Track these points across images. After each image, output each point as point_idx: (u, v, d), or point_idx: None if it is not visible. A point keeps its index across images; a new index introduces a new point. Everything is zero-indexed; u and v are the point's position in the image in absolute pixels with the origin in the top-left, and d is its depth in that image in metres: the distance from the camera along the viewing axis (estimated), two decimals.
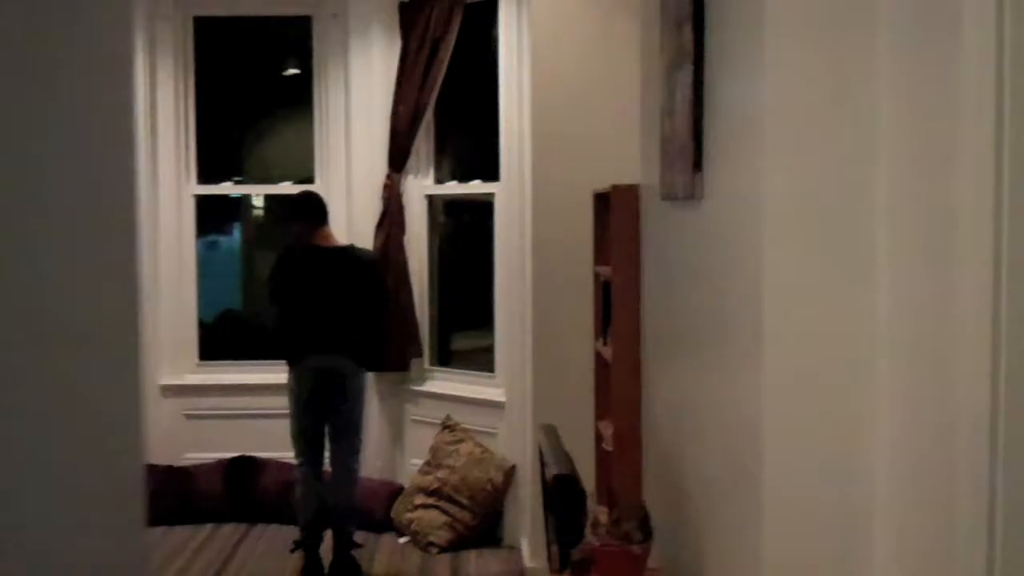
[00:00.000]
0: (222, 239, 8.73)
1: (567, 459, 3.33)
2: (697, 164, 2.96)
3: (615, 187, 4.28)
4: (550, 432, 3.66)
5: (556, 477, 3.05)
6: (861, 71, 2.22)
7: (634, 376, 4.22)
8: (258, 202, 7.91)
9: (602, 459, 4.76)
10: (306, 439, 5.64)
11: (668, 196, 3.39)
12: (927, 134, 2.02)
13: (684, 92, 3.06)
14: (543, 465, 3.72)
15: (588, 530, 2.91)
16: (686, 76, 3.04)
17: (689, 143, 3.00)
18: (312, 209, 5.68)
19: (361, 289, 5.67)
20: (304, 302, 5.64)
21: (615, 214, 4.25)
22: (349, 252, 5.74)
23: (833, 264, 2.27)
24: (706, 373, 2.92)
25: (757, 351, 2.33)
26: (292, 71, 7.21)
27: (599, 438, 4.80)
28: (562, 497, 3.08)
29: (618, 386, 4.24)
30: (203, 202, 7.34)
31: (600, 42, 5.39)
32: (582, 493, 3.12)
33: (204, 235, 8.17)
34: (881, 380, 2.22)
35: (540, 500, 3.74)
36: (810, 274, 2.29)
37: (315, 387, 5.57)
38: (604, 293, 4.77)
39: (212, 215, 8.15)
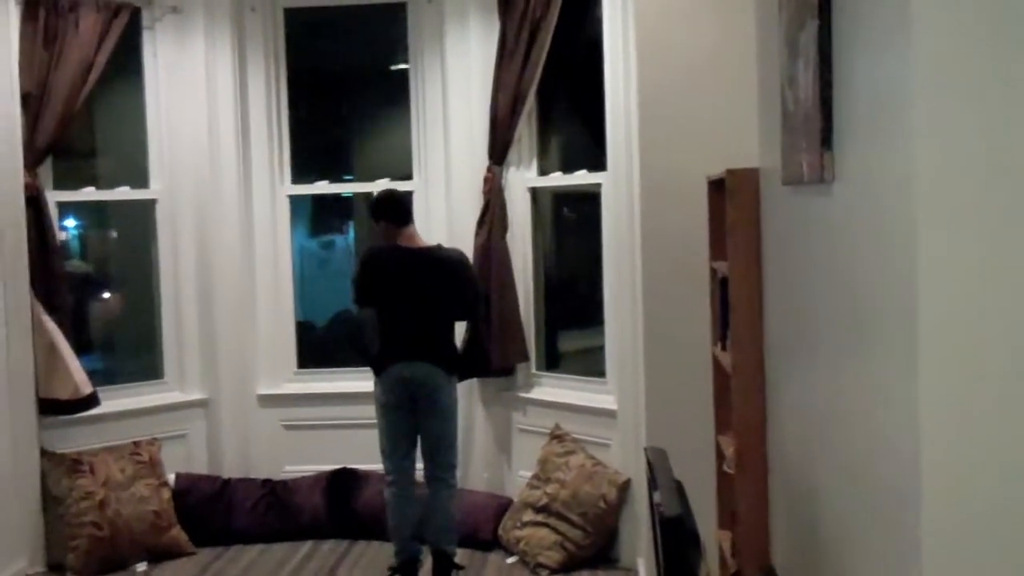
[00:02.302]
0: (339, 239, 8.58)
1: (679, 494, 2.86)
2: (826, 141, 2.45)
3: (731, 172, 3.78)
4: (659, 457, 3.18)
5: (666, 520, 2.58)
6: None
7: (757, 388, 3.72)
8: None
9: (723, 480, 4.25)
10: (395, 455, 5.31)
11: (791, 180, 2.89)
12: None
13: (808, 55, 2.56)
14: (652, 493, 3.26)
15: None
16: (810, 35, 2.53)
17: (816, 116, 2.49)
18: (394, 208, 5.34)
19: (449, 292, 5.31)
20: (387, 307, 5.29)
21: (731, 202, 3.75)
22: (434, 253, 5.36)
23: (1012, 257, 1.77)
24: (843, 387, 2.42)
25: (911, 363, 1.84)
26: (387, 61, 6.86)
27: (720, 456, 4.30)
28: (672, 541, 2.60)
29: (739, 399, 3.74)
30: (317, 201, 7.15)
31: (713, 11, 4.88)
32: (695, 536, 2.64)
33: (320, 235, 8.17)
34: None
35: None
36: (980, 270, 1.80)
37: (402, 398, 5.23)
38: (722, 292, 4.27)
39: (327, 214, 8.09)
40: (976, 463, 1.80)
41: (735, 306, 3.75)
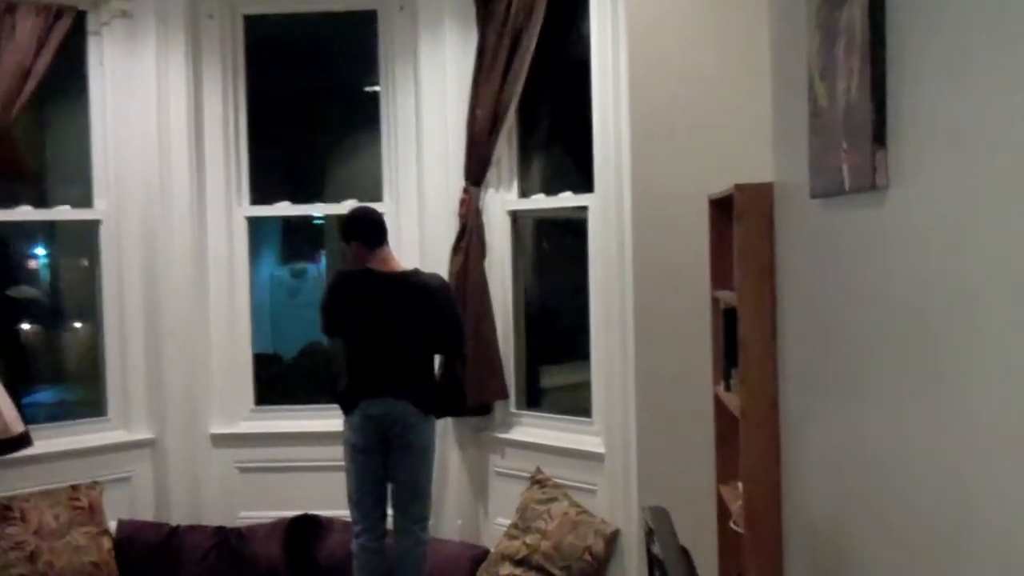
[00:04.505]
0: (311, 267, 8.30)
1: (687, 567, 2.37)
2: (879, 137, 1.98)
3: (739, 188, 3.32)
4: (661, 518, 2.69)
5: None
6: None
7: (770, 434, 3.24)
8: None
9: (727, 537, 3.76)
10: (364, 503, 4.85)
11: (824, 191, 2.42)
12: None
13: (854, 34, 2.09)
14: (651, 558, 2.77)
15: None
16: (856, 10, 2.07)
17: (865, 108, 2.02)
18: (367, 227, 4.89)
19: (427, 322, 4.86)
20: (358, 338, 4.86)
21: (741, 223, 3.28)
22: (411, 278, 4.90)
23: None
24: (910, 431, 1.93)
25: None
26: (356, 73, 6.42)
27: (722, 508, 3.81)
28: None
29: (749, 446, 3.26)
30: (287, 227, 6.88)
31: (711, 16, 4.44)
32: None
33: (290, 262, 8.07)
34: None
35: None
36: None
37: (373, 439, 4.78)
38: (726, 325, 3.80)
39: (298, 241, 7.93)
40: None
41: (745, 341, 3.28)
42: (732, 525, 3.48)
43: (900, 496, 1.97)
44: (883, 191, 1.99)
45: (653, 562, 2.73)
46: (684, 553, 2.58)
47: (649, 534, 2.75)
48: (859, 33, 2.04)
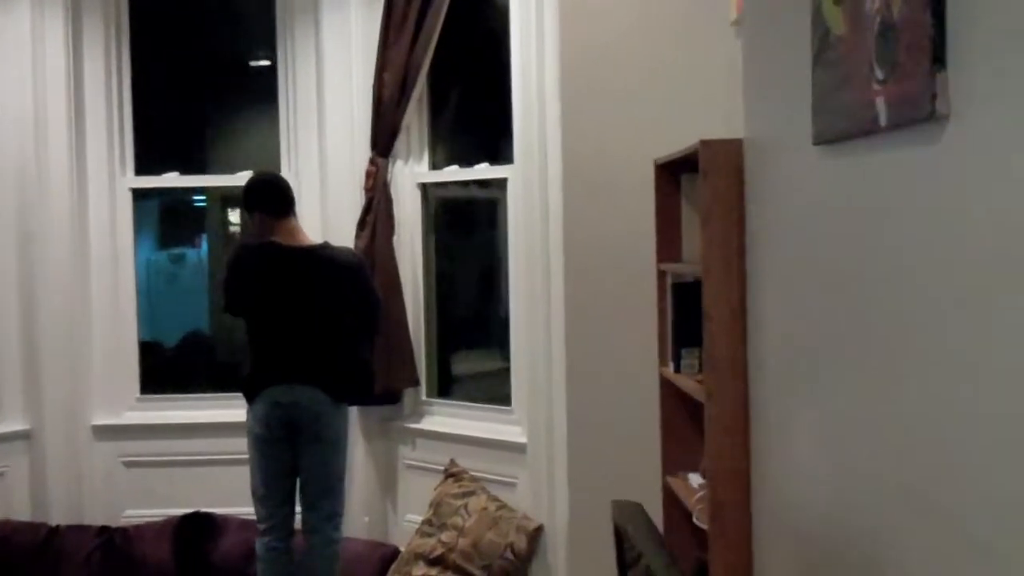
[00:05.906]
0: (191, 252, 7.86)
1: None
2: (939, 58, 1.65)
3: (706, 143, 2.97)
4: (637, 517, 2.34)
5: None
6: None
7: (739, 416, 2.92)
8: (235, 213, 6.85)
9: (676, 534, 3.45)
10: (270, 500, 4.49)
11: (839, 134, 2.08)
12: None
13: None
14: (622, 563, 2.43)
15: None
16: None
17: (922, 24, 1.69)
18: (272, 195, 4.52)
19: (339, 300, 4.50)
20: (262, 318, 4.49)
21: (708, 184, 2.94)
22: (321, 252, 4.55)
23: None
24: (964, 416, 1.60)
25: None
26: (252, 35, 6.02)
27: (671, 501, 3.50)
28: None
29: (716, 435, 2.93)
30: (166, 210, 6.59)
31: None
32: None
33: (169, 247, 7.50)
34: None
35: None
36: None
37: (279, 430, 4.42)
38: (676, 299, 3.49)
39: (178, 224, 7.44)
40: None
41: (711, 315, 2.95)
42: (695, 521, 3.14)
43: (963, 483, 1.65)
44: (941, 123, 1.65)
45: (626, 567, 2.38)
46: (672, 561, 2.23)
47: (619, 535, 2.41)
48: None
